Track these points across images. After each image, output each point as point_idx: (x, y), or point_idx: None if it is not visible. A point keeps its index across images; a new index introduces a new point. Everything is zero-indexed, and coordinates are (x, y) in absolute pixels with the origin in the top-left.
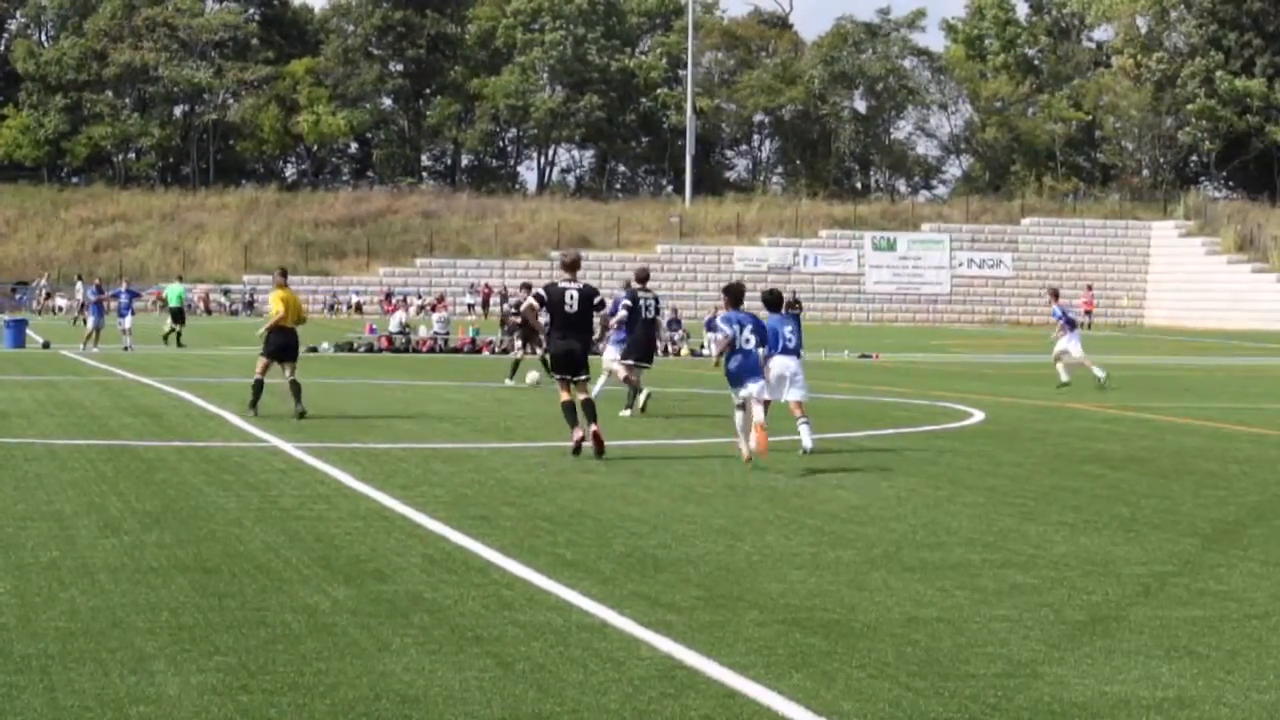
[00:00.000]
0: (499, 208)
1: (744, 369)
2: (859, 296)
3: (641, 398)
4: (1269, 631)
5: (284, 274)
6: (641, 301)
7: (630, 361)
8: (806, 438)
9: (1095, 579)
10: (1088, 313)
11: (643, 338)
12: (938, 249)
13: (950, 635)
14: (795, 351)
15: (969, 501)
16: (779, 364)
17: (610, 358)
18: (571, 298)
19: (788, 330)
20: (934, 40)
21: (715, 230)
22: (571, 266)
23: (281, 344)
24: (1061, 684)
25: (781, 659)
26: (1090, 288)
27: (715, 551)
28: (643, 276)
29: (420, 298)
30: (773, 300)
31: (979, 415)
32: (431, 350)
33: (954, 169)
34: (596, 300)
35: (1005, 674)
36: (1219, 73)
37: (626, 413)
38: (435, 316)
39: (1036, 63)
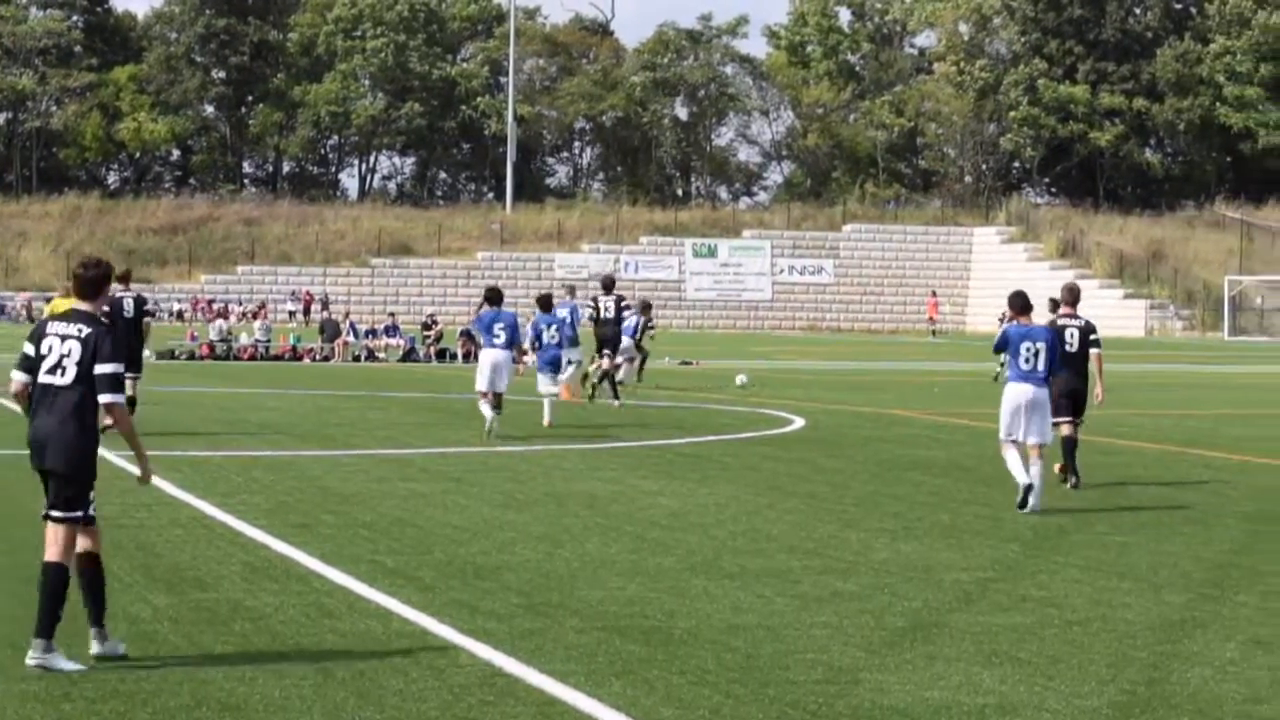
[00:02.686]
0: (320, 215)
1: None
2: (680, 303)
3: (598, 379)
4: (1090, 637)
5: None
6: (601, 304)
7: (607, 352)
8: (547, 415)
9: (916, 585)
10: (931, 319)
11: (611, 333)
12: (758, 256)
13: (770, 642)
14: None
15: (789, 508)
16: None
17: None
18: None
19: (552, 329)
20: (756, 47)
21: (536, 237)
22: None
23: None
24: (882, 690)
25: (601, 666)
26: (935, 293)
27: (535, 559)
28: (608, 284)
29: (241, 305)
30: (542, 301)
31: (800, 422)
32: (253, 358)
33: (775, 175)
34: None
35: (826, 680)
36: (1041, 80)
37: (616, 403)
38: (257, 324)
39: (858, 69)
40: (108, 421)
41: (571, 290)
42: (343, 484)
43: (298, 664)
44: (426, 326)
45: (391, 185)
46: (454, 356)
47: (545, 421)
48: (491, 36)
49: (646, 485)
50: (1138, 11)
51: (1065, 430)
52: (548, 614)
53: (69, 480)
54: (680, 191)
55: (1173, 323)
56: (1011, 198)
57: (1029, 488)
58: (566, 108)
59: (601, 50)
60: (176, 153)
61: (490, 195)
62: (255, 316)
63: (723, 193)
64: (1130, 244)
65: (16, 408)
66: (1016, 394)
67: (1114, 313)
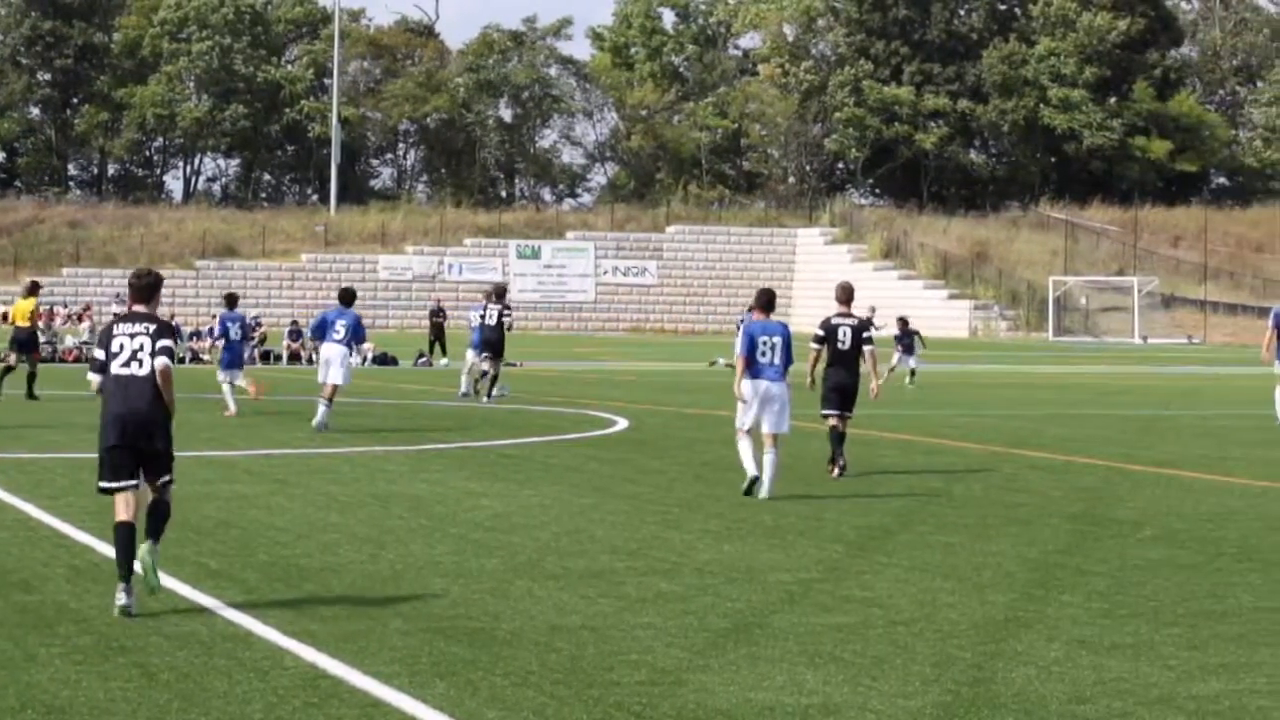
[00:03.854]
0: (145, 217)
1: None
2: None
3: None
4: (914, 638)
5: None
6: (485, 310)
7: (487, 355)
8: (320, 417)
9: (739, 586)
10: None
11: (493, 338)
12: (582, 257)
13: (594, 643)
14: (344, 342)
15: (613, 509)
16: (325, 350)
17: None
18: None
19: (340, 324)
20: (580, 48)
21: (360, 239)
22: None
23: None
24: (706, 691)
25: (425, 668)
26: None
27: (359, 561)
28: (500, 292)
29: (66, 307)
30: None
31: (623, 423)
32: (77, 360)
33: (599, 177)
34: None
35: (649, 681)
36: (866, 81)
37: (486, 400)
38: (83, 326)
39: (683, 71)
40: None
41: (498, 293)
42: None
43: (123, 666)
44: (251, 328)
45: (216, 187)
46: (278, 358)
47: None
48: (317, 39)
49: (470, 487)
50: (963, 13)
51: (833, 423)
52: (372, 616)
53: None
54: (504, 193)
55: (997, 323)
56: (836, 199)
57: (755, 479)
58: (391, 110)
59: (426, 52)
60: (1, 155)
61: (315, 197)
62: (80, 319)
63: (547, 194)
64: (954, 245)
65: None
66: (754, 388)
67: (938, 313)
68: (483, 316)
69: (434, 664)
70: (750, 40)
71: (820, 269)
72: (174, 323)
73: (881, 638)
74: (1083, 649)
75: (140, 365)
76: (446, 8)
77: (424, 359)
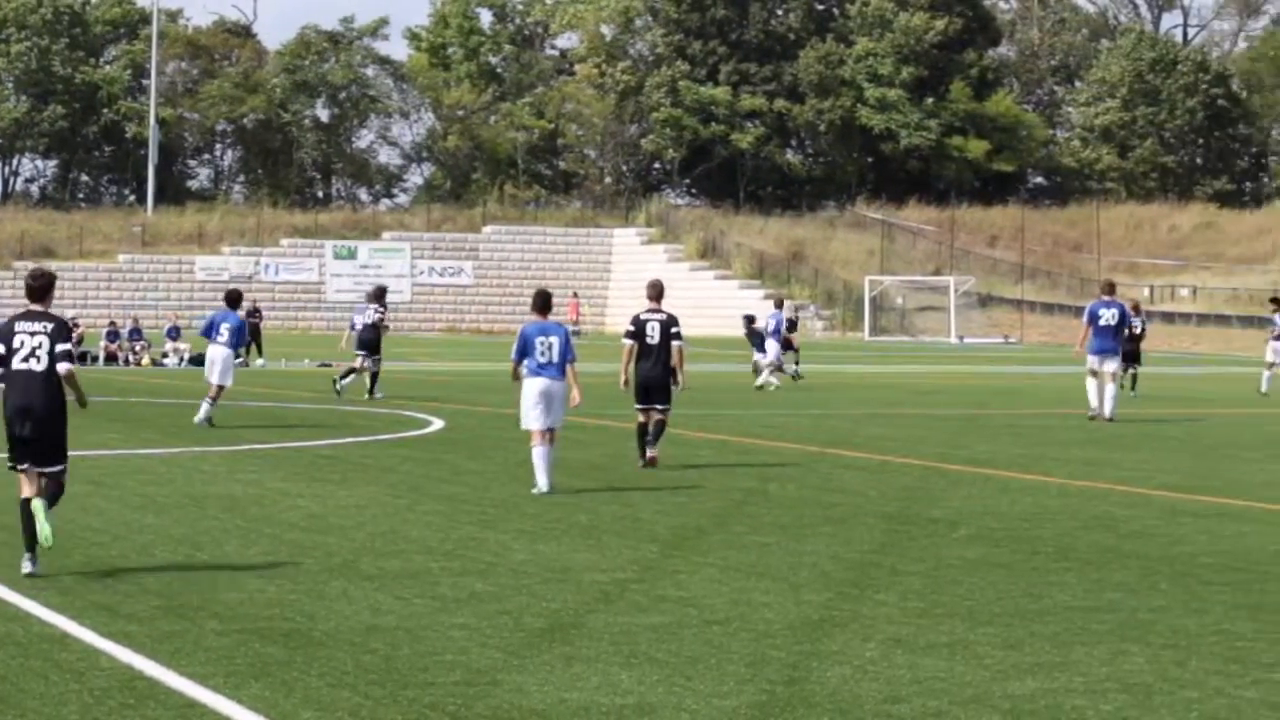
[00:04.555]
0: None
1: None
2: (320, 305)
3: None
4: (729, 637)
5: None
6: (366, 311)
7: (363, 354)
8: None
9: (555, 586)
10: (574, 320)
11: (369, 338)
12: (399, 257)
13: (410, 643)
14: (228, 344)
15: (428, 509)
16: (210, 351)
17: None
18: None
19: (224, 326)
20: (398, 49)
21: (177, 239)
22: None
23: None
24: (521, 691)
25: (241, 668)
26: (576, 294)
27: (175, 561)
28: (378, 294)
29: None
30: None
31: (439, 423)
32: None
33: (416, 177)
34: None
35: (465, 682)
36: (683, 81)
37: (366, 395)
38: None
39: (500, 71)
40: None
41: (378, 295)
42: None
43: None
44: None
45: (34, 188)
46: (95, 359)
47: None
48: (135, 39)
49: (286, 487)
50: (780, 13)
51: (640, 418)
52: (187, 616)
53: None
54: (321, 194)
55: (813, 323)
56: (652, 199)
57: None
58: (208, 110)
59: (243, 53)
60: None
61: (132, 198)
62: None
63: (364, 195)
64: (771, 244)
65: None
66: (535, 386)
67: (754, 313)
68: (371, 314)
69: (250, 664)
70: (567, 40)
71: (636, 269)
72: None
73: (696, 637)
74: (898, 648)
75: (38, 361)
76: (264, 8)
77: (240, 359)
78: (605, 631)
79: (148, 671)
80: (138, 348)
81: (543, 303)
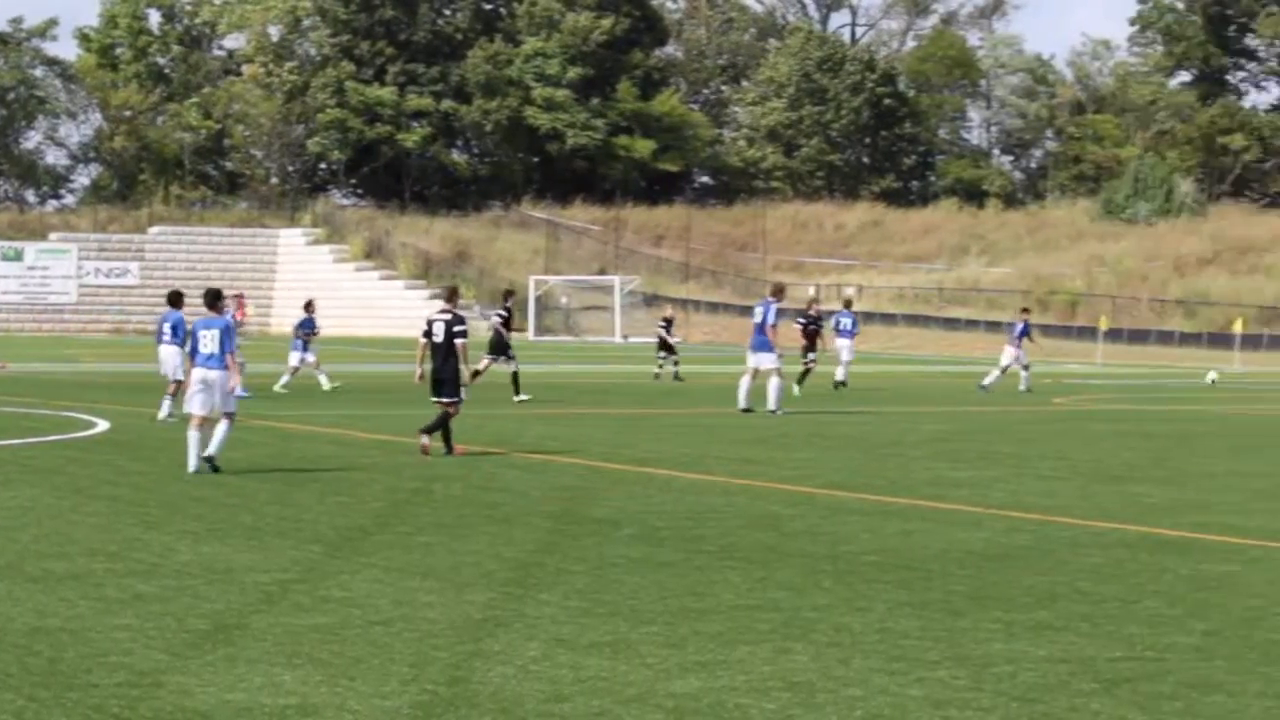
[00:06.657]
0: None
1: None
2: None
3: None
4: (392, 638)
5: None
6: (494, 313)
7: (490, 356)
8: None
9: (218, 587)
10: (239, 321)
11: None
12: (65, 258)
13: (74, 645)
14: (175, 342)
15: (93, 510)
16: (161, 350)
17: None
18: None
19: (166, 326)
20: (67, 49)
21: None
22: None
23: None
24: (185, 692)
25: None
26: (242, 295)
27: None
28: (504, 295)
29: None
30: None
31: (104, 425)
32: None
33: (83, 178)
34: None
35: (129, 683)
36: (350, 82)
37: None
38: None
39: (168, 71)
40: None
41: (505, 296)
42: None
43: None
44: None
45: None
46: None
47: None
48: None
49: None
50: (448, 13)
51: (437, 409)
52: None
53: None
54: None
55: (478, 323)
56: (318, 199)
57: (208, 458)
58: None
59: None
60: None
61: None
62: None
63: (30, 196)
64: (436, 244)
65: None
66: (196, 375)
67: (419, 314)
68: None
69: None
70: (235, 41)
71: (302, 269)
72: None
73: (359, 638)
74: (561, 647)
75: None
76: None
77: None
78: (268, 632)
79: None
80: None
81: (212, 299)
